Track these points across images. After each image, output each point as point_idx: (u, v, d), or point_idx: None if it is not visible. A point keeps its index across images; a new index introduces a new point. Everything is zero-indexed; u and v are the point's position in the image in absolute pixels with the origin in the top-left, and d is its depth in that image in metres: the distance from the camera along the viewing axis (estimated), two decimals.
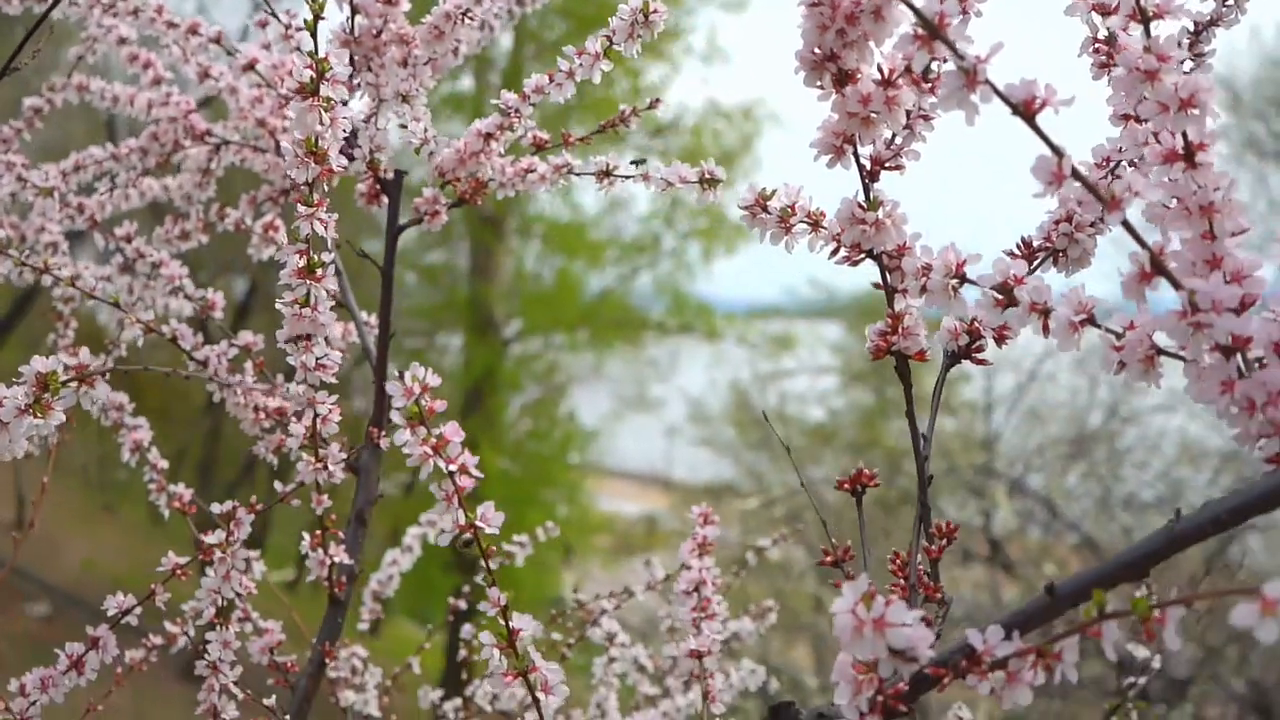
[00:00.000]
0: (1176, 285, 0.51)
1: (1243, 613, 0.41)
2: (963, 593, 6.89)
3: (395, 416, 0.62)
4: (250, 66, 1.02)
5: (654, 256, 11.83)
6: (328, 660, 0.99)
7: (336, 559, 0.97)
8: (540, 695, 0.65)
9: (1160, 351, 0.55)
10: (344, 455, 0.91)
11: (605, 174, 0.95)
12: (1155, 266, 0.52)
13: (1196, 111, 0.53)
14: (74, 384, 0.67)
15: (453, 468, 0.62)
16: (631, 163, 0.95)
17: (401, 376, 0.61)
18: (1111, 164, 0.69)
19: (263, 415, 1.02)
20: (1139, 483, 6.12)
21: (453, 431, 0.63)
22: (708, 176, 0.83)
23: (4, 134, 1.30)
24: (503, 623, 0.65)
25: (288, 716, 0.96)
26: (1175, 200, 0.55)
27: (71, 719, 1.02)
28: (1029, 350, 7.00)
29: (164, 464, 1.11)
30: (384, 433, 0.97)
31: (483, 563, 0.63)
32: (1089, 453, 6.38)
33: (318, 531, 0.96)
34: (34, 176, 1.12)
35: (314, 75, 0.68)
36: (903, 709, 0.54)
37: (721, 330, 11.18)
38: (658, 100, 1.00)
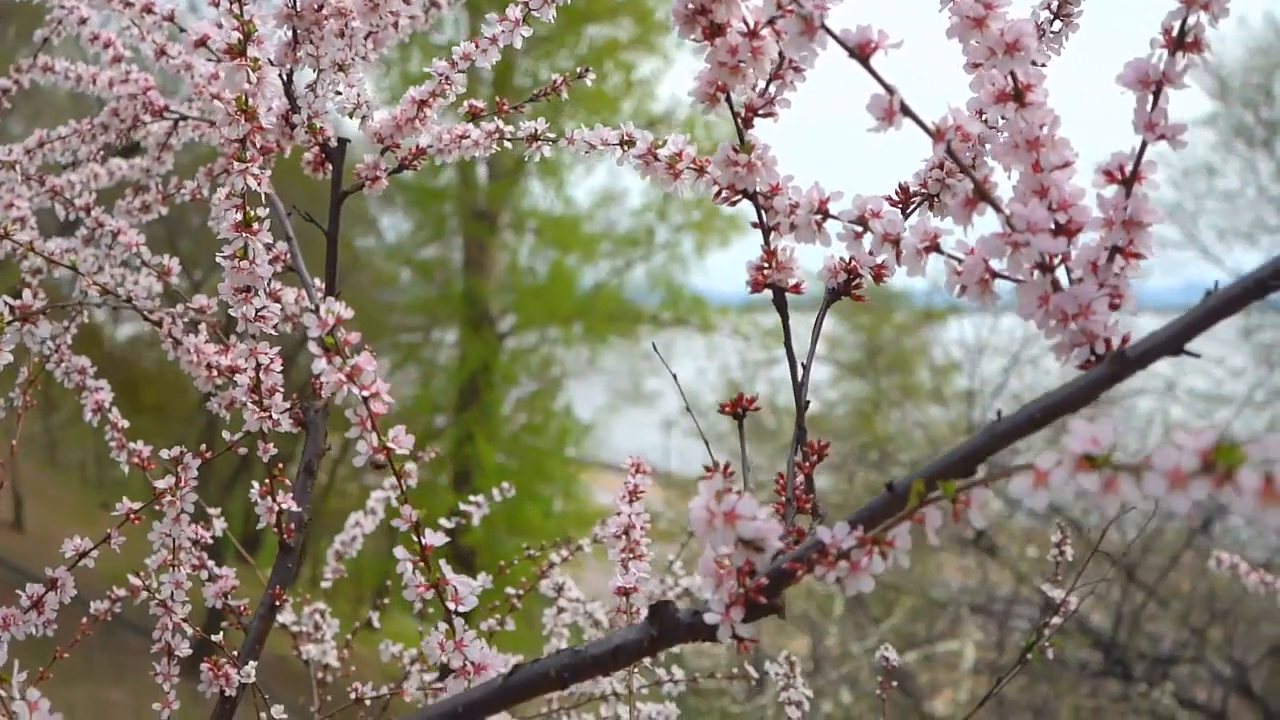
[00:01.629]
0: (998, 209, 0.57)
1: (1019, 485, 0.46)
2: (948, 578, 6.96)
3: (312, 346, 0.67)
4: (202, 43, 1.07)
5: (648, 250, 11.88)
6: (277, 603, 1.04)
7: (285, 506, 1.03)
8: (451, 605, 0.70)
9: (995, 274, 0.60)
10: (288, 405, 0.96)
11: (534, 138, 1.00)
12: (979, 193, 0.57)
13: (1022, 54, 0.58)
14: (17, 323, 0.72)
15: (366, 393, 0.67)
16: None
17: (317, 310, 0.66)
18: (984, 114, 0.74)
19: (215, 373, 1.07)
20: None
21: (366, 360, 0.68)
22: (627, 139, 0.89)
23: None
24: (415, 539, 0.70)
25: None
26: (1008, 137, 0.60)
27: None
28: (1013, 335, 7.06)
29: (125, 424, 1.16)
30: None
31: (396, 481, 0.69)
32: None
33: (267, 480, 1.02)
34: None
35: (241, 36, 0.73)
36: (764, 601, 0.59)
37: (715, 323, 11.23)
38: (587, 70, 1.05)
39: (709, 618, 0.60)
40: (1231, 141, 8.99)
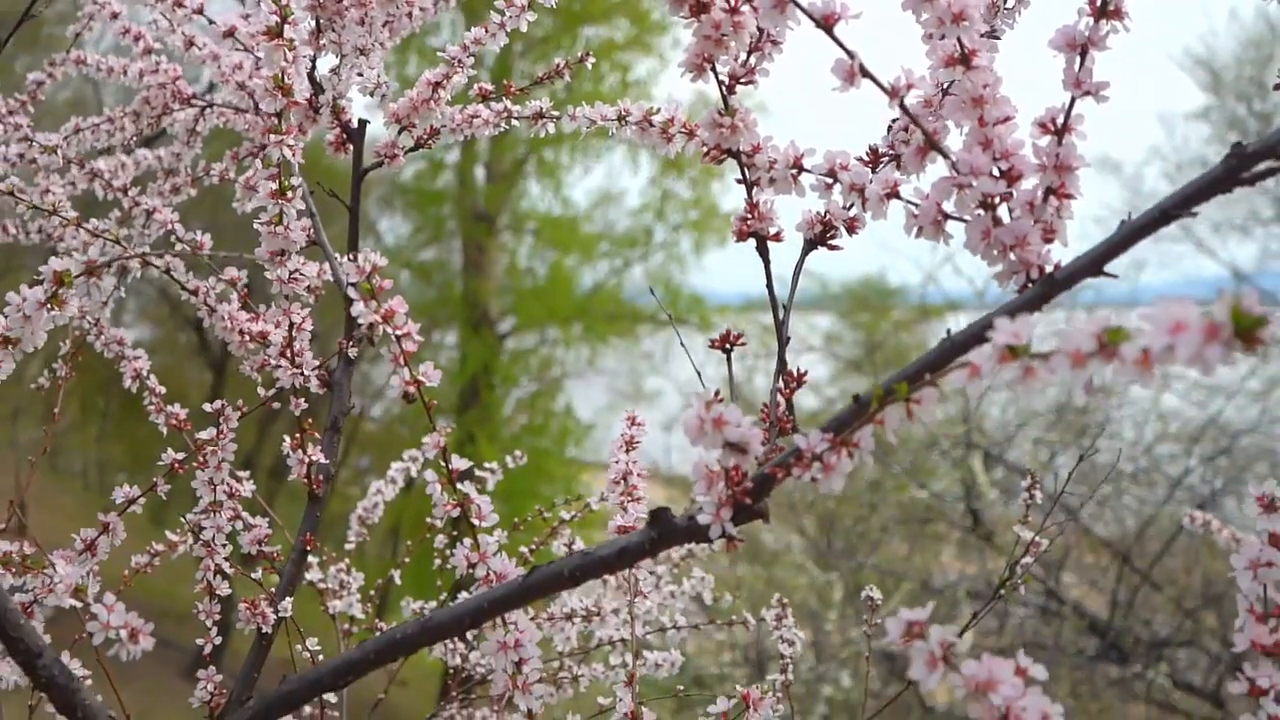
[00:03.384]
0: (946, 156, 0.66)
1: (956, 378, 0.55)
2: (946, 570, 7.05)
3: (351, 291, 0.76)
4: (230, 34, 1.16)
5: (646, 250, 11.97)
6: (308, 548, 1.13)
7: (314, 459, 1.11)
8: (474, 524, 0.79)
9: (945, 215, 0.69)
10: (317, 362, 1.05)
11: (539, 116, 1.09)
12: (929, 143, 0.66)
13: (967, 24, 0.67)
14: (83, 277, 0.81)
15: (399, 332, 0.76)
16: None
17: (355, 258, 0.75)
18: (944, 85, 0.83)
19: (247, 338, 1.16)
20: (1110, 451, 6.27)
21: (399, 304, 0.77)
22: (624, 113, 0.97)
23: (10, 105, 1.44)
24: (443, 463, 0.79)
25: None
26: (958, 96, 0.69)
27: None
28: None
29: (162, 390, 1.25)
30: (354, 344, 1.11)
31: (424, 406, 0.78)
32: (1065, 424, 6.53)
33: (297, 434, 1.10)
34: (39, 137, 1.27)
35: (279, 19, 0.82)
36: (750, 503, 0.68)
37: (715, 322, 11.31)
38: (587, 54, 1.14)
39: (701, 518, 0.68)
40: (1225, 134, 9.07)
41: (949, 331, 0.65)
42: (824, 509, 7.27)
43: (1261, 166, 0.60)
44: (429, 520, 1.59)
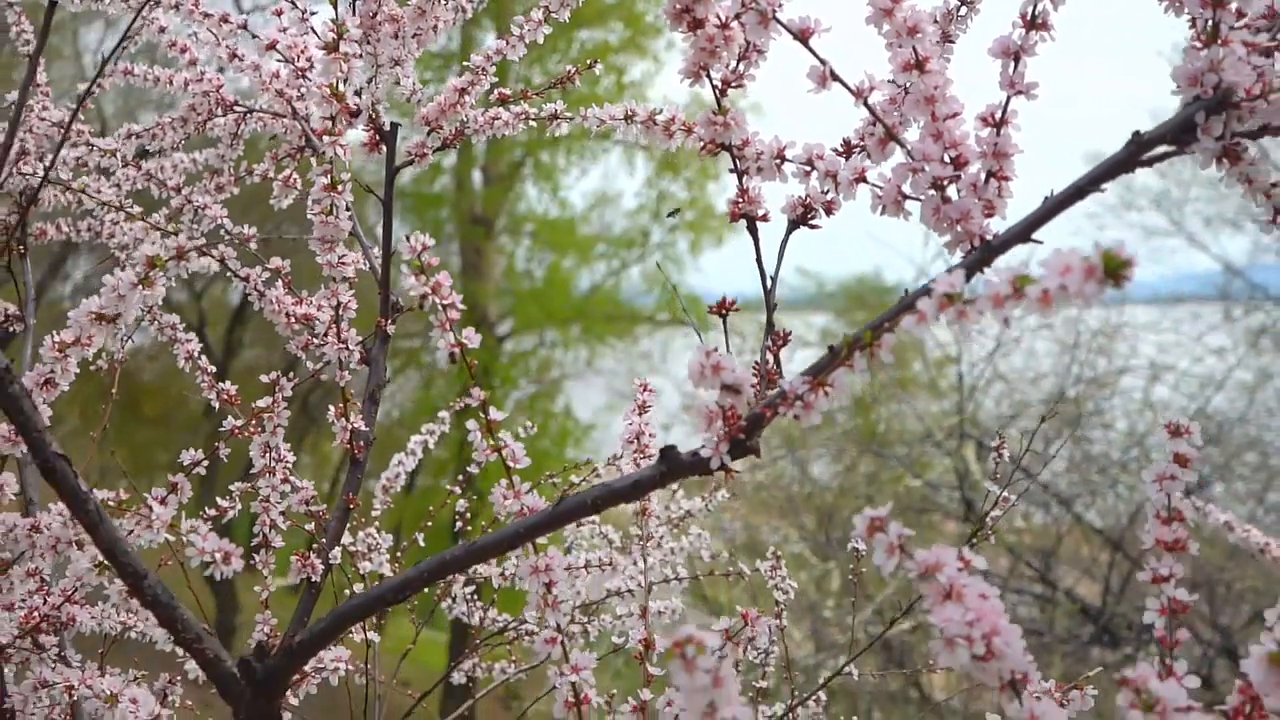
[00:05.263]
0: (902, 145, 0.79)
1: (907, 322, 0.68)
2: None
3: (404, 267, 0.89)
4: (271, 46, 1.30)
5: (643, 250, 12.11)
6: (350, 506, 1.26)
7: (356, 426, 1.25)
8: (510, 465, 0.93)
9: (904, 195, 0.82)
10: (360, 339, 1.18)
11: (554, 117, 1.23)
12: (889, 135, 0.80)
13: (920, 36, 0.81)
14: (174, 260, 0.94)
15: (445, 302, 0.90)
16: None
17: (409, 238, 0.89)
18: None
19: (292, 320, 1.29)
20: (1105, 441, 6.42)
21: (444, 278, 0.90)
22: (630, 113, 1.11)
23: (62, 116, 1.57)
24: (483, 416, 0.92)
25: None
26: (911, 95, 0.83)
27: None
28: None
29: (213, 369, 1.38)
30: (390, 322, 1.24)
31: (465, 366, 0.91)
32: (1058, 414, 6.67)
33: (340, 404, 1.24)
34: (99, 142, 1.40)
35: (335, 35, 0.95)
36: (744, 439, 0.81)
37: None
38: (595, 61, 1.28)
39: (704, 452, 0.82)
40: None
41: (907, 290, 0.78)
42: (823, 502, 7.41)
43: (1158, 150, 0.73)
44: (447, 486, 1.72)
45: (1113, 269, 0.55)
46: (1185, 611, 0.74)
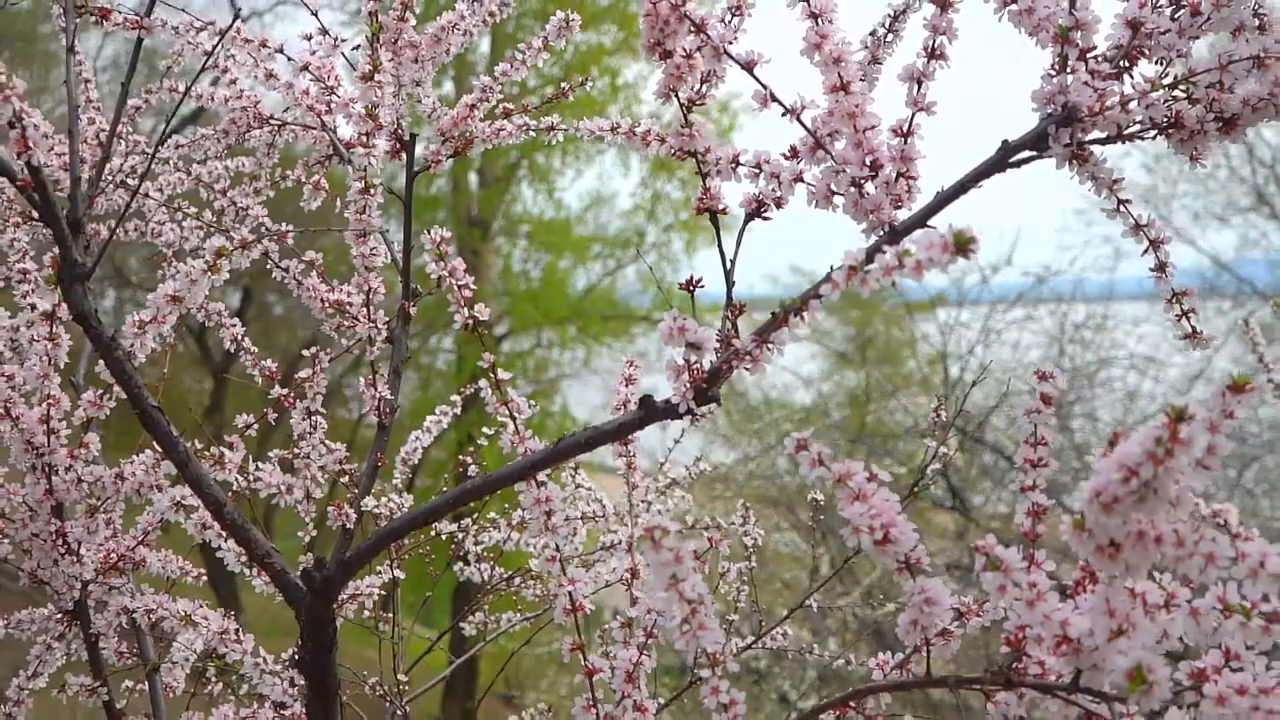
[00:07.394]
0: (826, 151, 1.00)
1: (824, 289, 0.88)
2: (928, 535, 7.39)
3: (426, 256, 1.10)
4: (305, 67, 1.50)
5: (639, 250, 12.29)
6: (379, 464, 1.47)
7: (383, 394, 1.45)
8: (515, 415, 1.13)
9: (832, 191, 1.03)
10: (387, 319, 1.39)
11: (552, 128, 1.43)
12: (817, 144, 1.00)
13: (844, 63, 1.01)
14: (237, 250, 1.14)
15: (460, 283, 1.10)
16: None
17: (429, 231, 1.09)
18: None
19: (325, 304, 1.50)
20: (1091, 431, 6.63)
21: (460, 263, 1.11)
22: (615, 125, 1.31)
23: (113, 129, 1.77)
24: (492, 375, 1.13)
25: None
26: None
27: None
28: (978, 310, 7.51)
29: (255, 349, 1.58)
30: (412, 305, 1.45)
31: (479, 336, 1.11)
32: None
33: (369, 375, 1.44)
34: (161, 151, 1.60)
35: (372, 67, 1.16)
36: (706, 388, 1.01)
37: (706, 321, 11.62)
38: (586, 78, 1.48)
39: (673, 399, 1.02)
40: None
41: (831, 268, 0.99)
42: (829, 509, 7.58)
43: (1023, 155, 0.94)
44: (461, 457, 1.91)
45: (962, 245, 0.75)
46: (1044, 513, 0.95)
